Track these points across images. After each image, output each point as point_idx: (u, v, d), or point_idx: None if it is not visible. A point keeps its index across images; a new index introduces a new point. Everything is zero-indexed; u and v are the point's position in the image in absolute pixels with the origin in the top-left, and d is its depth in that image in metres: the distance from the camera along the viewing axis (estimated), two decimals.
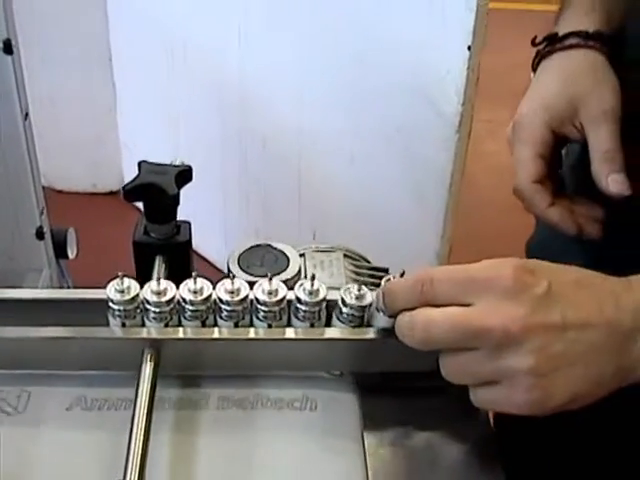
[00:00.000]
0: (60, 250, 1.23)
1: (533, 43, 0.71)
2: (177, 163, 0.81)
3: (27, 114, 0.92)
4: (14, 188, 0.97)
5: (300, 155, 1.80)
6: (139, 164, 0.76)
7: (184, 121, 2.07)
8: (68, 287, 1.31)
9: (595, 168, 0.63)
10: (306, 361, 0.63)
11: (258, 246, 0.77)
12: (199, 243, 2.18)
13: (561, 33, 0.69)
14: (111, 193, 2.47)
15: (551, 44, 0.70)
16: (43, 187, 2.41)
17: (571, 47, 0.68)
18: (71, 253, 1.25)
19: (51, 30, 2.18)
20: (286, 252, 0.75)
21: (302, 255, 0.78)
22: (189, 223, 0.78)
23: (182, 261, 0.77)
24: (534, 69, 0.72)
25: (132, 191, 0.73)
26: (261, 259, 0.75)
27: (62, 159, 2.43)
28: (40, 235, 1.02)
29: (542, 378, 0.48)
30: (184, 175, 0.75)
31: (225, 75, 1.87)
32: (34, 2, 2.15)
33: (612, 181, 0.62)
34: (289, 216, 1.91)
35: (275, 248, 0.76)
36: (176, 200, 0.75)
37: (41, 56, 2.22)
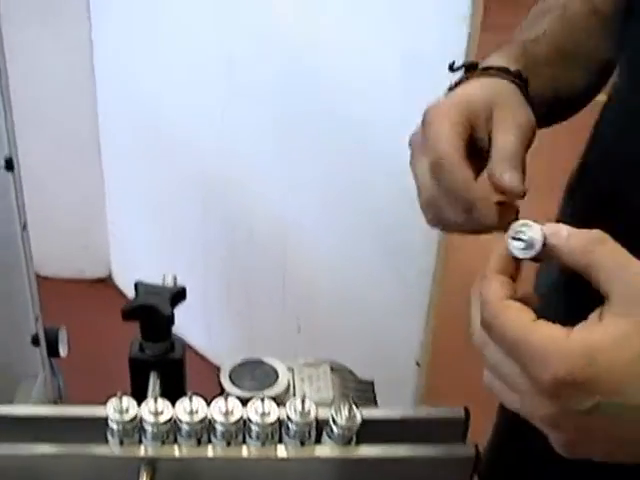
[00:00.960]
0: (52, 349, 1.25)
1: (451, 68, 0.70)
2: (170, 281, 0.85)
3: (25, 225, 0.96)
4: (11, 297, 1.00)
5: (285, 245, 1.83)
6: (135, 285, 0.81)
7: (169, 210, 2.11)
8: (59, 387, 1.33)
9: (493, 165, 0.59)
10: (298, 478, 0.66)
11: (249, 361, 0.80)
12: (180, 327, 2.22)
13: (482, 66, 0.68)
14: (99, 280, 2.49)
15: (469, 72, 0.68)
16: None
17: (492, 75, 0.66)
18: (63, 352, 1.27)
19: (40, 118, 2.23)
20: (275, 367, 0.79)
21: (291, 369, 0.81)
22: (183, 340, 0.82)
23: (176, 377, 0.81)
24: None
25: (130, 312, 0.78)
26: (251, 373, 0.79)
27: (50, 245, 2.44)
28: (36, 342, 1.04)
29: (578, 447, 0.47)
30: (178, 295, 0.79)
31: (209, 166, 1.91)
32: (26, 95, 2.20)
33: (509, 177, 0.57)
34: (273, 306, 1.94)
35: (265, 363, 0.80)
36: (170, 319, 0.79)
37: (30, 143, 2.26)
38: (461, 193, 0.57)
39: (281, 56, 1.65)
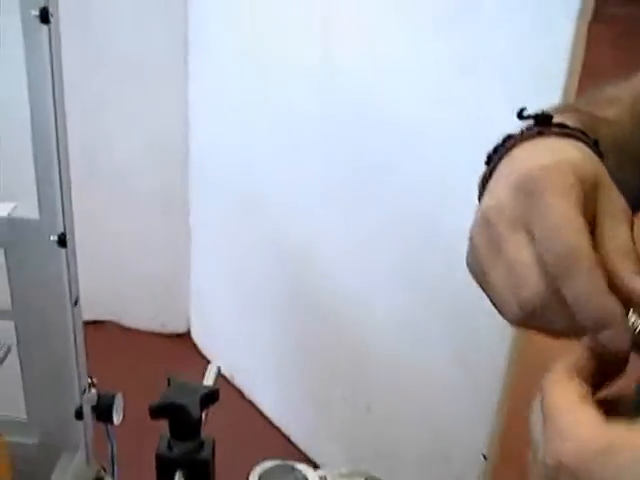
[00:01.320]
0: (105, 415, 1.24)
1: (520, 115, 0.56)
2: (212, 374, 0.82)
3: (77, 301, 0.95)
4: (57, 369, 0.99)
5: (356, 324, 1.80)
6: (168, 379, 0.79)
7: (250, 273, 2.11)
8: (112, 449, 1.31)
9: (611, 260, 0.46)
10: None
11: (280, 465, 0.77)
12: (254, 392, 2.22)
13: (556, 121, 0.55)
14: (177, 335, 2.51)
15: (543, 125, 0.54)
16: (111, 322, 2.50)
17: (577, 139, 0.53)
18: (117, 419, 1.26)
19: (134, 177, 2.28)
20: (307, 474, 0.75)
21: (324, 478, 0.77)
22: (213, 440, 0.79)
23: (203, 477, 0.78)
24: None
25: (157, 409, 0.75)
26: (281, 479, 0.75)
27: (133, 298, 2.49)
28: (79, 415, 1.03)
29: None
30: (210, 396, 0.76)
31: (292, 238, 1.91)
32: (120, 156, 2.26)
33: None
34: (345, 381, 1.91)
35: (296, 469, 0.76)
36: (199, 420, 0.76)
37: (124, 197, 2.32)
38: (593, 308, 0.45)
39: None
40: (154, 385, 2.15)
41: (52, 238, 0.89)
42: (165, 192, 2.30)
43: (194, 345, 2.47)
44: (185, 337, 2.50)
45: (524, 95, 1.28)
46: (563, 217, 0.45)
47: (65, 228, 0.90)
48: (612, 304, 0.44)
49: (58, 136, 0.85)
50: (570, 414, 0.41)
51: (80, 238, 2.33)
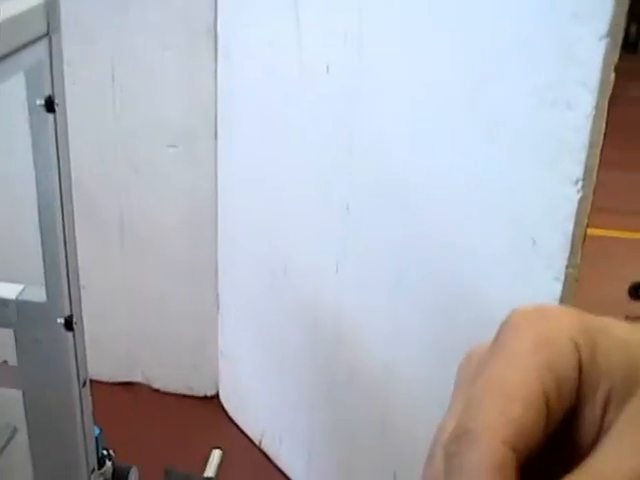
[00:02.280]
0: None
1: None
2: (215, 462, 0.81)
3: (85, 382, 0.95)
4: (65, 450, 0.98)
5: (386, 392, 1.78)
6: (166, 472, 0.77)
7: (279, 340, 2.10)
8: None
9: None
10: None
11: None
12: (281, 457, 2.19)
13: None
14: (205, 397, 2.49)
15: None
16: (140, 384, 2.50)
17: None
18: None
19: (163, 245, 2.30)
20: None
21: None
22: None
23: None
24: None
25: None
26: None
27: (162, 359, 2.49)
28: None
29: None
30: None
31: (320, 304, 1.90)
32: (147, 216, 2.29)
33: None
34: (372, 450, 1.88)
35: None
36: None
37: (156, 263, 2.34)
38: None
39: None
40: (181, 449, 2.14)
41: (59, 321, 0.89)
42: (195, 258, 2.32)
43: (222, 408, 2.46)
44: (213, 400, 2.49)
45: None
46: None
47: (72, 311, 0.90)
48: None
49: (65, 221, 0.86)
50: None
51: (112, 299, 2.39)
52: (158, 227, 2.30)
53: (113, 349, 2.51)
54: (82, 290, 2.37)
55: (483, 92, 1.37)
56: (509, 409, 0.29)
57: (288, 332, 2.07)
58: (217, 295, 2.34)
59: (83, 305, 2.41)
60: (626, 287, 2.94)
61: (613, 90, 1.22)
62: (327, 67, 1.71)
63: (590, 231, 1.34)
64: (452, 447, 0.30)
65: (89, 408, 1.00)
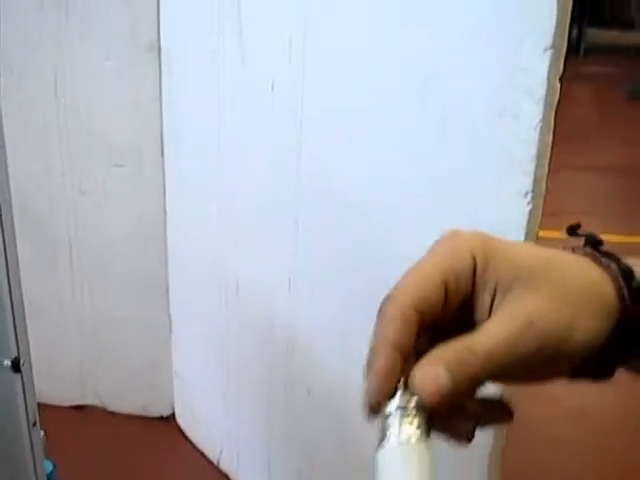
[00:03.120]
0: None
1: (570, 231, 0.52)
2: None
3: (35, 423, 0.92)
4: None
5: (343, 406, 1.76)
6: None
7: (233, 358, 2.08)
8: None
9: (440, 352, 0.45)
10: None
11: None
12: (239, 475, 2.16)
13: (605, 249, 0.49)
14: (161, 418, 2.46)
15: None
16: (95, 406, 2.46)
17: (597, 263, 0.47)
18: None
19: (112, 259, 2.26)
20: None
21: None
22: None
23: None
24: None
25: None
26: None
27: (116, 381, 2.45)
28: None
29: None
30: None
31: (274, 320, 1.88)
32: (95, 241, 2.25)
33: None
34: (330, 470, 1.86)
35: None
36: None
37: (103, 282, 2.30)
38: (373, 348, 0.47)
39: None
40: (139, 470, 2.10)
41: (5, 363, 0.86)
42: (145, 278, 2.28)
43: (179, 428, 2.42)
44: (169, 420, 2.46)
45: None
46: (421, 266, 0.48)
47: (19, 353, 0.87)
48: (385, 363, 0.45)
49: (8, 264, 0.83)
50: None
51: (63, 321, 2.34)
52: (107, 248, 2.26)
53: (66, 372, 2.47)
54: (32, 313, 2.33)
55: (431, 102, 1.37)
56: (417, 285, 0.46)
57: (242, 349, 2.04)
58: (169, 314, 2.31)
59: (33, 327, 2.36)
60: None
61: None
62: (272, 84, 1.70)
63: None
64: (382, 305, 0.47)
65: (40, 447, 0.97)
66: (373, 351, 0.46)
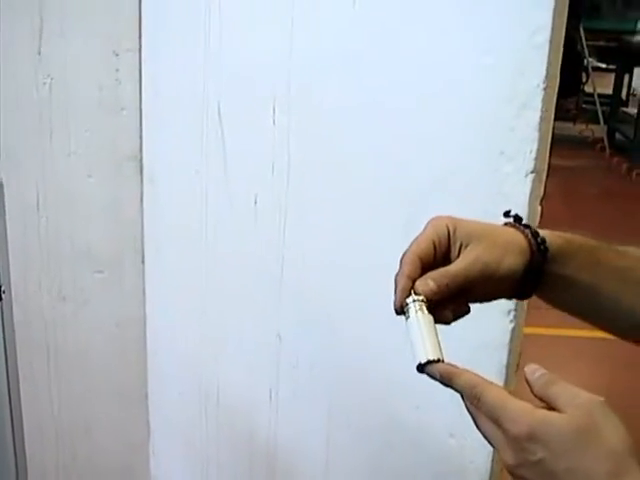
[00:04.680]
0: None
1: (505, 214, 0.88)
2: None
3: None
4: None
5: None
6: None
7: (214, 471, 2.05)
8: None
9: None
10: None
11: None
12: None
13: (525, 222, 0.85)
14: None
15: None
16: None
17: (520, 230, 0.83)
18: None
19: (96, 372, 2.25)
20: None
21: None
22: None
23: None
24: None
25: None
26: None
27: None
28: None
29: None
30: None
31: (255, 434, 1.87)
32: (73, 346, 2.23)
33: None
34: None
35: None
36: None
37: (82, 387, 2.27)
38: (397, 278, 0.79)
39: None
40: None
41: None
42: (123, 384, 2.26)
43: None
44: None
45: None
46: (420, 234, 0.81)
47: None
48: (404, 282, 0.77)
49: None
50: (510, 403, 0.65)
51: (42, 429, 2.30)
52: (86, 353, 2.24)
53: (41, 475, 2.41)
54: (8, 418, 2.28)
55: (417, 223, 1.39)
56: (418, 245, 0.79)
57: (223, 461, 2.02)
58: (147, 421, 2.28)
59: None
60: None
61: None
62: (255, 198, 1.72)
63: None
64: (401, 257, 0.79)
65: None
66: (396, 278, 0.78)
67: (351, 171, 1.51)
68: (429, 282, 0.76)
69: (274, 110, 1.63)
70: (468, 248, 0.78)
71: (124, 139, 2.06)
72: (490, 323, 1.33)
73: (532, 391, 0.68)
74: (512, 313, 1.34)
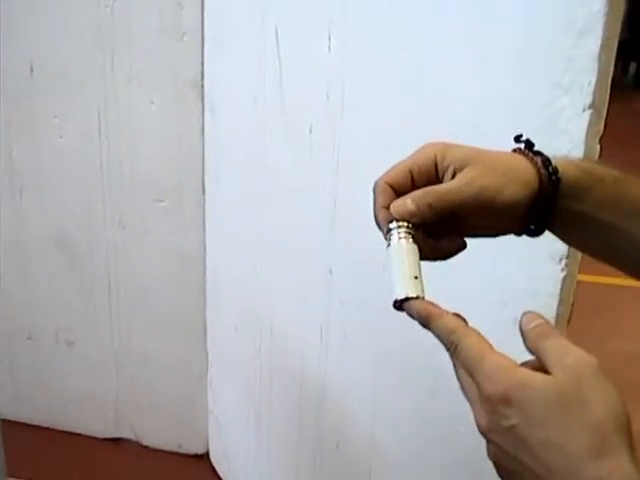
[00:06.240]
0: None
1: (516, 139, 0.73)
2: None
3: None
4: None
5: (370, 468, 1.70)
6: None
7: (265, 403, 2.04)
8: None
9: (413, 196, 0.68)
10: None
11: None
12: None
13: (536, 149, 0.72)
14: (195, 456, 2.43)
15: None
16: (129, 440, 2.44)
17: (529, 157, 0.70)
18: None
19: (151, 300, 2.25)
20: None
21: None
22: None
23: None
24: None
25: None
26: None
27: (152, 416, 2.43)
28: None
29: (500, 460, 0.57)
30: None
31: (305, 369, 1.84)
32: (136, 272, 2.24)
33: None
34: None
35: None
36: None
37: (144, 319, 2.28)
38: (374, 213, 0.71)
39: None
40: None
41: None
42: (183, 315, 2.26)
43: (212, 468, 2.39)
44: (203, 459, 2.42)
45: None
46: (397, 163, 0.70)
47: None
48: (381, 214, 0.68)
49: None
50: (488, 359, 0.57)
51: (100, 355, 2.33)
52: (146, 283, 2.24)
53: (102, 405, 2.45)
54: (71, 346, 2.32)
55: None
56: (389, 173, 0.69)
57: (275, 395, 2.00)
58: (206, 353, 2.28)
59: (71, 361, 2.35)
60: None
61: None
62: (310, 128, 1.66)
63: None
64: (373, 186, 0.70)
65: None
66: (373, 212, 0.69)
67: (404, 102, 1.43)
68: (407, 202, 0.66)
69: (329, 37, 1.56)
70: (463, 171, 0.67)
71: (186, 65, 2.01)
72: (539, 269, 1.24)
73: (523, 340, 0.59)
74: (564, 260, 1.24)
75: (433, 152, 0.69)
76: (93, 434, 2.49)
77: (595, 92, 1.11)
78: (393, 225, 0.67)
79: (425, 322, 0.62)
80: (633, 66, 7.55)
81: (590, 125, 1.14)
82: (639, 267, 0.74)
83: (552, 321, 1.24)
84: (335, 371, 1.76)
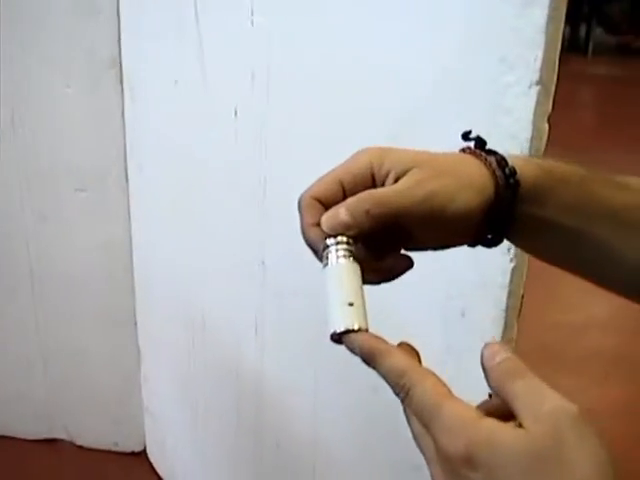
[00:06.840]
0: None
1: (464, 136, 0.65)
2: None
3: None
4: None
5: (314, 463, 1.63)
6: None
7: (201, 397, 1.95)
8: None
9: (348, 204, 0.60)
10: None
11: None
12: None
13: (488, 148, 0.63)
14: (132, 454, 2.33)
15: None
16: (63, 440, 2.33)
17: (481, 158, 0.61)
18: None
19: (78, 294, 2.14)
20: None
21: None
22: None
23: None
24: None
25: None
26: None
27: (85, 415, 2.33)
28: None
29: None
30: None
31: (240, 362, 1.75)
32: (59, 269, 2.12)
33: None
34: None
35: None
36: None
37: (71, 317, 2.17)
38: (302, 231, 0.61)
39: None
40: None
41: None
42: (112, 308, 2.16)
43: (150, 465, 2.30)
44: (141, 456, 2.33)
45: None
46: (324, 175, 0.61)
47: None
48: (311, 233, 0.59)
49: None
50: (446, 410, 0.47)
51: (29, 356, 2.21)
52: (71, 276, 2.13)
53: (32, 406, 2.34)
54: None
55: (407, 134, 1.22)
56: (316, 185, 0.60)
57: (210, 389, 1.91)
58: (138, 348, 2.17)
59: None
60: None
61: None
62: (235, 110, 1.56)
63: None
64: (298, 201, 0.61)
65: None
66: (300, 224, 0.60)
67: (337, 80, 1.33)
68: (340, 212, 0.57)
69: (252, 10, 1.45)
70: (407, 174, 0.58)
71: (102, 45, 1.89)
72: (487, 260, 1.16)
73: (487, 379, 0.49)
74: (512, 251, 1.17)
75: (368, 158, 0.59)
76: (25, 436, 2.38)
77: (542, 68, 1.03)
78: (331, 242, 0.57)
79: (369, 360, 0.53)
80: (567, 29, 7.59)
81: (538, 103, 1.05)
82: (609, 276, 0.66)
83: (502, 314, 1.17)
84: (272, 364, 1.68)
